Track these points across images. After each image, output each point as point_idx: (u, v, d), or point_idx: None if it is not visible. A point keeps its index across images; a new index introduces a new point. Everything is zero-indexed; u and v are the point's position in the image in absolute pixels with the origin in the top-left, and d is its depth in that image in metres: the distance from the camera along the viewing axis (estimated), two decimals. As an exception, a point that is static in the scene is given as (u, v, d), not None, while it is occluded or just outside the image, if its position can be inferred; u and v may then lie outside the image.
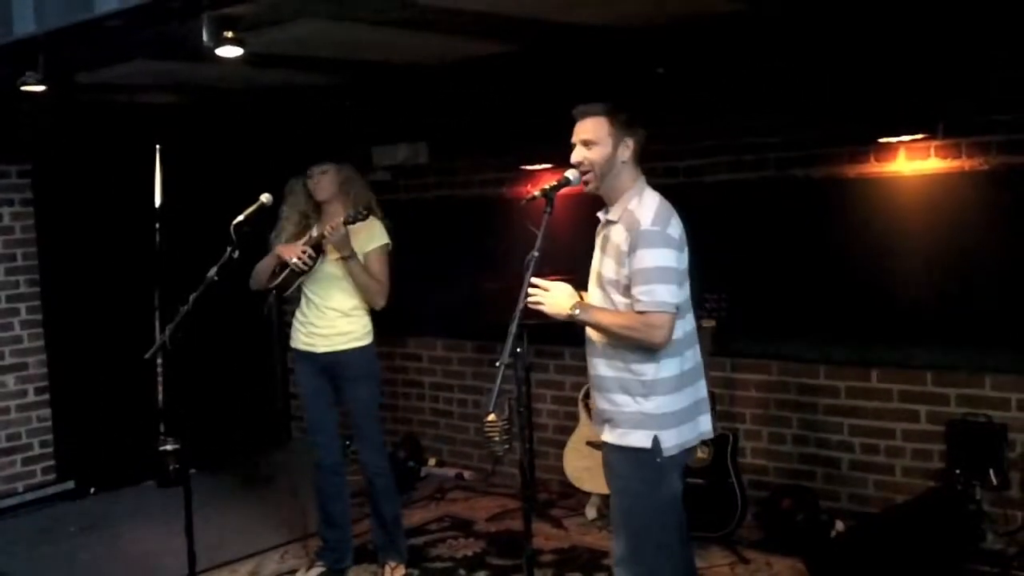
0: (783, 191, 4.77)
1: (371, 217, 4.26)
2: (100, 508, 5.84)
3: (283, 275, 4.34)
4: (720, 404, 4.85)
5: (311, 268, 4.28)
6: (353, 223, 4.14)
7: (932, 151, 4.39)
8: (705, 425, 3.21)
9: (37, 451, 5.97)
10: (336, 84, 5.30)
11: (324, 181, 4.32)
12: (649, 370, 3.04)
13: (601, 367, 3.15)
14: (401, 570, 4.48)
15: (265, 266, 4.40)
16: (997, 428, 4.29)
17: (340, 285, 4.32)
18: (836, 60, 4.38)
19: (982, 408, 4.35)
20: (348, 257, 4.19)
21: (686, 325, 3.12)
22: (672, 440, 3.06)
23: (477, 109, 5.55)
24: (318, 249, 4.26)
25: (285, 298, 4.63)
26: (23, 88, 4.06)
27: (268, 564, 4.78)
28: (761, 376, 4.98)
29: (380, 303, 4.36)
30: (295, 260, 4.24)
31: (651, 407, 3.05)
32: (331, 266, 4.30)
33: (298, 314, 4.46)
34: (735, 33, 4.22)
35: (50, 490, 5.97)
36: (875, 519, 4.41)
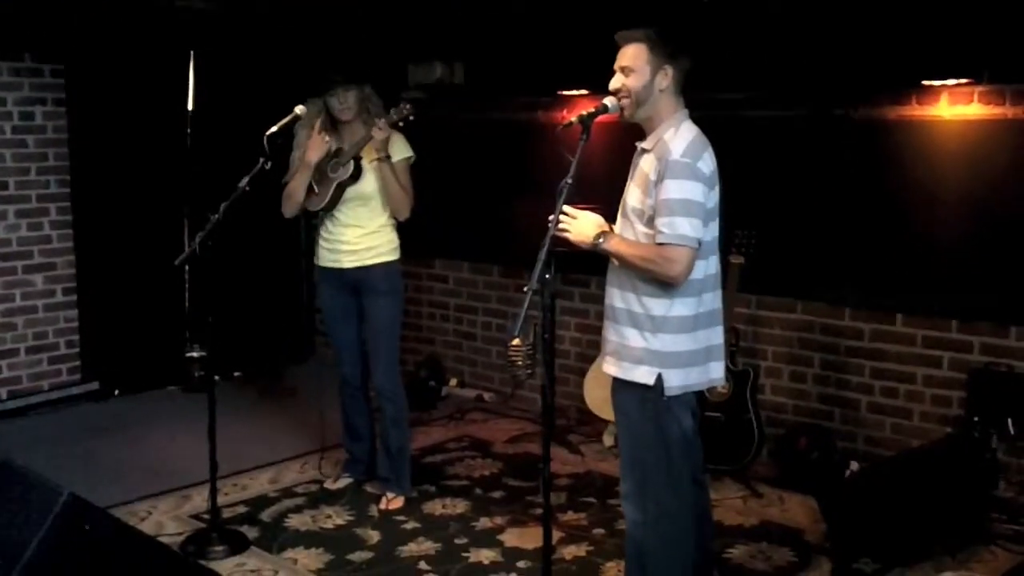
0: (821, 130, 4.69)
1: (394, 132, 4.25)
2: (123, 410, 5.94)
3: (330, 192, 4.28)
4: (743, 340, 4.86)
5: (354, 177, 4.27)
6: (399, 124, 4.16)
7: (976, 96, 4.30)
8: (717, 372, 3.15)
9: (63, 351, 6.07)
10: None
11: (350, 100, 4.29)
12: (661, 306, 3.00)
13: (615, 298, 3.12)
14: (399, 502, 4.43)
15: (298, 184, 4.32)
16: (1019, 378, 4.28)
17: (367, 203, 4.34)
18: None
19: (1005, 358, 4.33)
20: (384, 159, 4.21)
21: (709, 267, 3.06)
22: (676, 380, 3.02)
23: (516, 31, 5.45)
24: (357, 161, 4.26)
25: (310, 213, 4.54)
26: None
27: (287, 473, 4.87)
28: (786, 315, 4.97)
29: (405, 214, 4.39)
30: (318, 150, 4.22)
31: (658, 344, 3.01)
32: (359, 184, 4.30)
33: (322, 231, 4.43)
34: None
35: (74, 390, 6.06)
36: (889, 461, 4.43)
